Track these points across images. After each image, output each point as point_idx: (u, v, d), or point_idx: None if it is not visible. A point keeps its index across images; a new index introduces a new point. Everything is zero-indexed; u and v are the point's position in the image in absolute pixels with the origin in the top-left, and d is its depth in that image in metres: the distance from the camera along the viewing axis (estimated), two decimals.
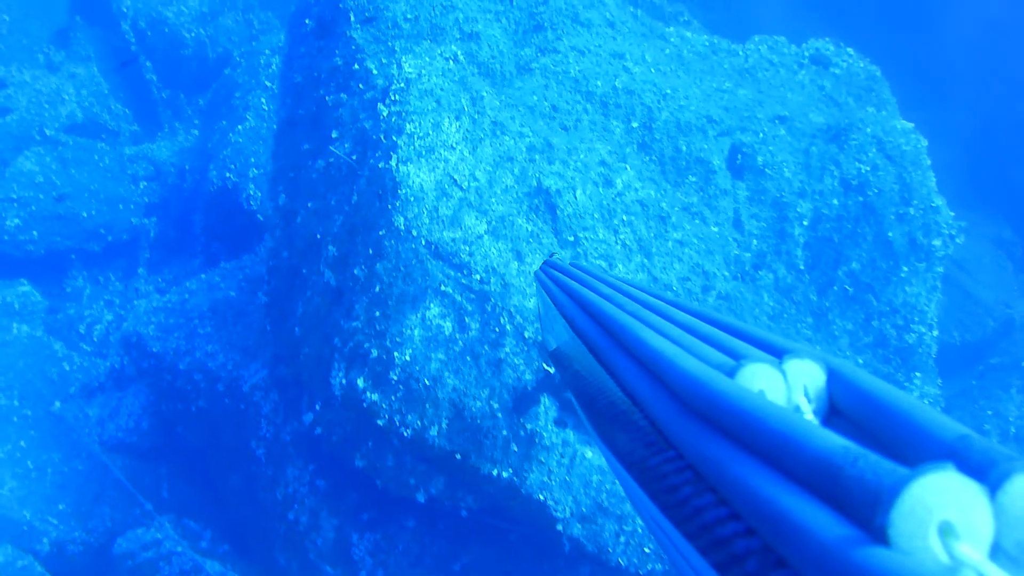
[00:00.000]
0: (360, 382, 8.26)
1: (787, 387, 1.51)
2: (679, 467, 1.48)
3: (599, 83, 10.40)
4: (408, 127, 8.29)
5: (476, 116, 8.65)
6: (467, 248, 8.30)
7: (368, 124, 8.68)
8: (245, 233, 14.51)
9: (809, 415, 1.49)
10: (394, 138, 8.26)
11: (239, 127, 15.75)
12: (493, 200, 8.49)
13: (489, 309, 8.28)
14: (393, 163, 8.18)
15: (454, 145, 8.39)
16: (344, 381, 8.43)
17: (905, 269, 11.65)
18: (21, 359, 13.72)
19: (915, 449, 1.26)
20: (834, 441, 1.14)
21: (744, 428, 1.30)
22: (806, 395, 1.52)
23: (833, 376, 1.53)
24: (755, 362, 1.50)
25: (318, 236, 9.30)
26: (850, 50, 14.34)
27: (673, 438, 1.54)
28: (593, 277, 2.65)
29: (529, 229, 8.63)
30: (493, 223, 8.44)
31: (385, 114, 8.39)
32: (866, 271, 11.46)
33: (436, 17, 9.39)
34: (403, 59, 8.60)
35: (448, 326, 8.26)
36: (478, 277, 8.27)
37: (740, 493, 1.24)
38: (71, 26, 18.76)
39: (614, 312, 2.13)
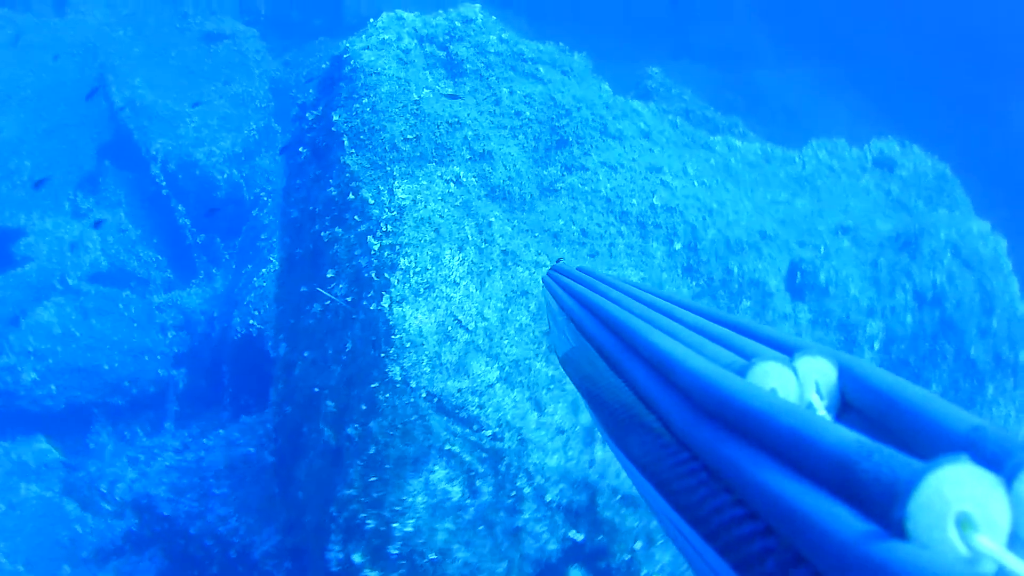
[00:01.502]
0: (357, 557, 7.13)
1: (799, 384, 1.49)
2: (693, 468, 1.46)
3: (634, 201, 9.23)
4: (402, 262, 7.19)
5: (483, 246, 7.53)
6: (476, 399, 7.12)
7: (363, 260, 7.60)
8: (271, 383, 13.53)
9: (822, 411, 1.47)
10: (386, 275, 7.17)
11: (263, 270, 14.96)
12: (506, 342, 7.31)
13: (504, 470, 7.07)
14: (386, 304, 7.08)
15: (457, 280, 7.27)
16: (341, 556, 7.26)
17: (991, 389, 10.51)
18: (30, 522, 12.91)
19: (929, 442, 1.25)
20: (848, 436, 1.14)
21: (757, 427, 1.30)
22: (818, 392, 1.50)
23: (844, 372, 1.51)
24: (766, 360, 1.49)
25: (316, 390, 8.22)
26: (916, 148, 13.47)
27: (686, 439, 1.52)
28: (600, 280, 2.68)
29: (550, 374, 7.40)
30: (506, 369, 7.25)
31: (376, 248, 7.32)
32: (948, 394, 10.09)
33: (441, 136, 8.36)
34: (396, 184, 7.55)
35: (456, 491, 7.04)
36: (489, 433, 7.08)
37: (756, 492, 1.23)
38: (99, 171, 18.28)
39: (622, 315, 2.14)
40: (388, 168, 8.09)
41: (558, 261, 3.55)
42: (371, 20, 9.05)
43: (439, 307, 7.19)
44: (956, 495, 0.96)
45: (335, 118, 8.43)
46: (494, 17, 9.78)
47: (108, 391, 14.90)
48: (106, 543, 12.78)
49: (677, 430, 1.56)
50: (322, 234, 8.32)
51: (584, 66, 10.31)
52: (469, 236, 7.49)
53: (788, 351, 1.56)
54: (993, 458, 1.07)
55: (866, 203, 12.56)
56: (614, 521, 7.51)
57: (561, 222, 8.74)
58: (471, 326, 7.20)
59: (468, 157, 8.48)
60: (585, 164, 9.40)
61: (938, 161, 13.31)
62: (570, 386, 7.45)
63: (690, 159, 10.42)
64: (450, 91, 8.82)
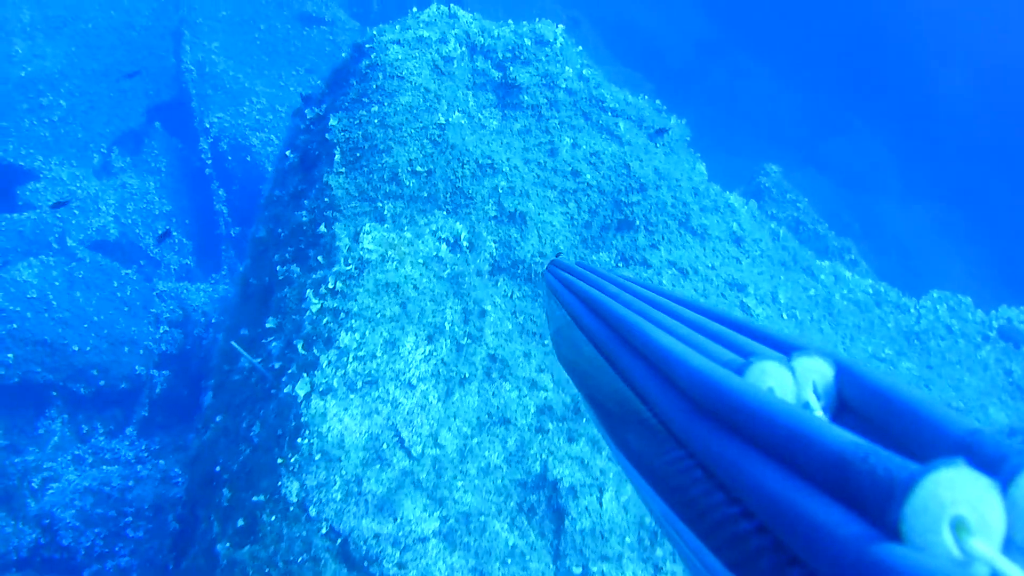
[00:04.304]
0: None
1: (796, 384, 1.46)
2: (689, 466, 1.44)
3: None
4: (343, 337, 5.05)
5: (464, 342, 5.35)
6: (397, 554, 4.94)
7: (306, 319, 5.45)
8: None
9: (819, 412, 1.45)
10: (316, 351, 5.01)
11: None
12: (460, 484, 5.09)
13: None
14: (302, 391, 4.93)
15: (414, 382, 5.10)
16: None
17: None
18: None
19: (926, 444, 1.26)
20: (844, 437, 1.13)
21: (754, 426, 1.29)
22: (815, 391, 1.48)
23: (842, 372, 1.49)
24: (764, 359, 1.47)
25: (217, 468, 6.08)
26: None
27: (683, 437, 1.51)
28: (600, 276, 2.61)
29: (511, 543, 5.14)
30: (451, 522, 5.03)
31: (315, 309, 5.18)
32: None
33: (463, 179, 6.23)
34: (367, 228, 5.39)
35: None
36: None
37: (751, 491, 1.22)
38: (147, 132, 16.59)
39: (621, 311, 2.08)
40: (379, 204, 5.99)
41: (558, 255, 3.53)
42: (413, 9, 6.96)
43: (378, 413, 5.02)
44: (951, 498, 0.96)
45: (332, 123, 6.35)
46: (580, 47, 7.62)
47: (71, 375, 13.16)
48: (8, 551, 10.91)
49: (674, 427, 1.56)
50: (278, 268, 6.21)
51: (680, 135, 8.11)
52: (448, 324, 5.32)
53: (786, 350, 1.54)
54: (989, 462, 1.08)
55: (982, 381, 10.90)
56: None
57: None
58: (416, 451, 5.01)
59: (493, 215, 6.35)
60: (648, 259, 7.20)
61: None
62: (538, 563, 5.20)
63: (785, 283, 8.18)
64: (494, 123, 6.67)
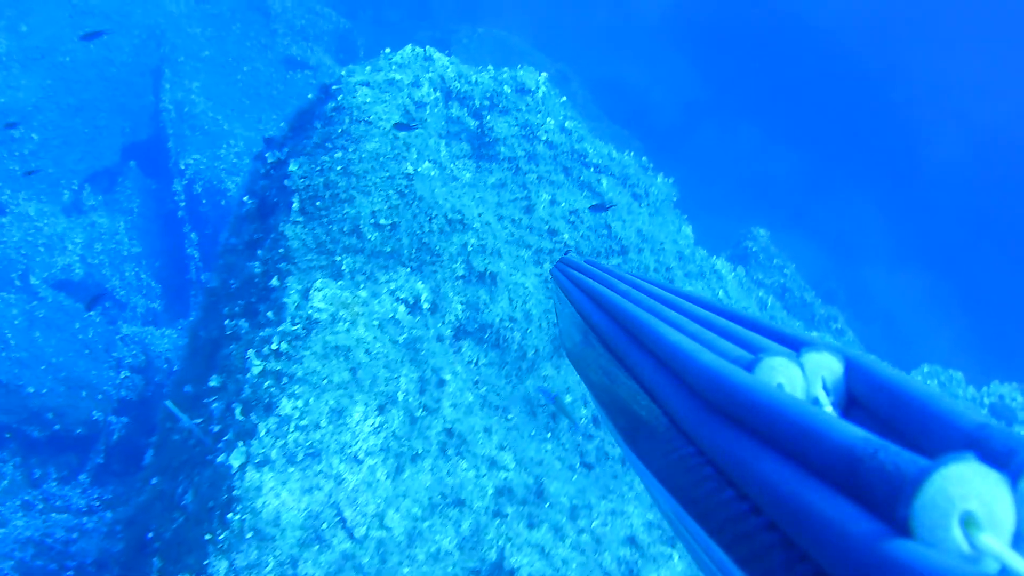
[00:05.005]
0: None
1: (805, 380, 1.45)
2: (700, 462, 1.42)
3: None
4: (285, 404, 4.60)
5: (420, 414, 4.90)
6: None
7: (247, 381, 4.97)
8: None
9: (828, 407, 1.43)
10: (254, 418, 4.53)
11: None
12: (406, 570, 4.65)
13: None
14: (236, 460, 4.45)
15: (360, 455, 4.64)
16: None
17: None
18: None
19: (935, 439, 1.24)
20: (854, 433, 1.11)
21: (764, 422, 1.27)
22: (824, 387, 1.46)
23: (851, 367, 1.47)
24: (773, 356, 1.45)
25: (150, 535, 5.57)
26: None
27: (693, 434, 1.49)
28: (609, 274, 2.58)
29: None
30: None
31: (256, 371, 4.71)
32: None
33: (429, 234, 5.78)
34: (319, 284, 4.94)
35: None
36: None
37: (761, 488, 1.20)
38: (121, 170, 16.19)
39: (631, 308, 2.07)
40: (338, 258, 5.56)
41: (566, 253, 3.17)
42: (385, 50, 6.54)
43: (319, 489, 4.55)
44: (961, 493, 0.94)
45: (292, 168, 5.91)
46: (564, 98, 7.21)
47: (26, 418, 12.75)
48: None
49: (683, 424, 1.54)
50: (227, 322, 5.74)
51: (665, 195, 7.71)
52: (402, 394, 4.86)
53: (795, 346, 1.53)
54: (998, 456, 1.07)
55: None
56: None
57: (568, 399, 6.05)
58: (360, 532, 4.53)
59: (461, 274, 5.93)
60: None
61: None
62: None
63: None
64: (467, 176, 6.25)
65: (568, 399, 6.09)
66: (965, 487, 0.94)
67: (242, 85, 18.32)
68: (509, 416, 5.47)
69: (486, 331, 5.90)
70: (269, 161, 6.58)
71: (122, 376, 13.66)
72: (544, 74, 7.09)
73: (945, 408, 1.24)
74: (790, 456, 1.17)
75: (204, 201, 16.00)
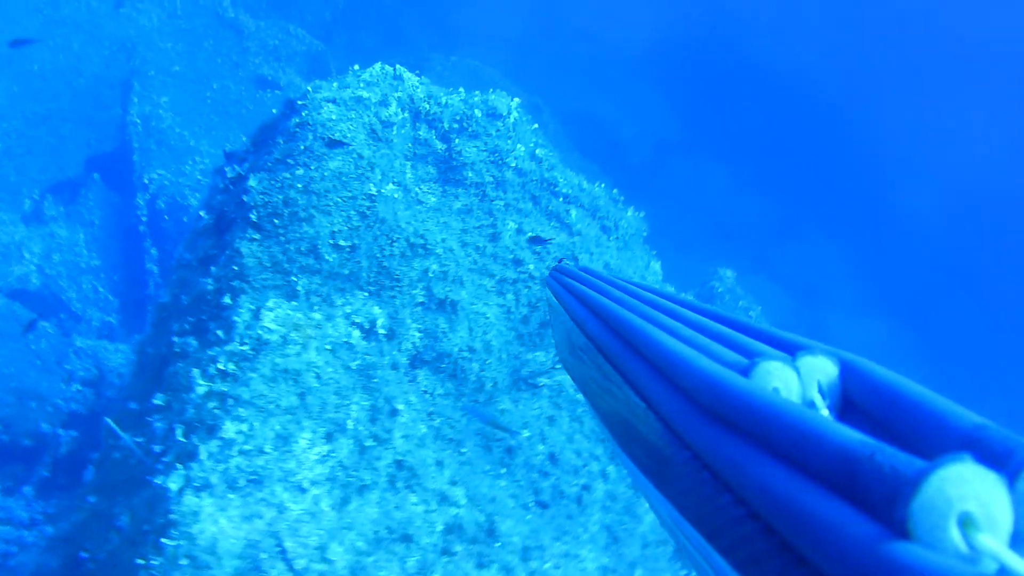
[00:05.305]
0: None
1: (801, 383, 1.46)
2: (696, 467, 1.44)
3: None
4: (228, 427, 4.44)
5: (369, 444, 4.75)
6: None
7: (190, 401, 4.77)
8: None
9: (824, 411, 1.45)
10: (195, 440, 4.34)
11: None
12: None
13: None
14: (175, 484, 4.25)
15: (305, 484, 4.46)
16: None
17: None
18: None
19: (932, 440, 1.26)
20: (851, 436, 1.13)
21: (760, 426, 1.29)
22: (820, 391, 1.48)
23: (846, 370, 1.50)
24: (768, 360, 1.47)
25: (84, 555, 5.35)
26: None
27: (689, 439, 1.51)
28: (602, 280, 2.61)
29: None
30: None
31: (201, 392, 4.53)
32: None
33: (390, 258, 5.62)
34: (271, 304, 4.76)
35: None
36: None
37: (758, 491, 1.21)
38: (84, 182, 15.96)
39: (625, 315, 2.10)
40: (293, 278, 5.39)
41: (560, 261, 3.41)
42: (354, 66, 6.40)
43: (259, 517, 4.36)
44: (958, 494, 0.95)
45: (251, 184, 5.73)
46: (536, 125, 7.08)
47: None
48: None
49: (680, 429, 1.55)
50: (175, 339, 5.53)
51: (635, 229, 7.59)
52: (351, 422, 4.69)
53: (790, 350, 1.55)
54: (996, 457, 1.08)
55: None
56: None
57: (525, 434, 5.89)
58: (300, 564, 4.34)
59: (421, 301, 5.76)
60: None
61: None
62: None
63: None
64: (432, 200, 6.09)
65: (525, 434, 5.92)
66: (963, 488, 0.94)
67: (211, 102, 18.17)
68: (463, 450, 5.29)
69: (443, 361, 5.73)
70: (229, 176, 6.40)
71: (73, 389, 13.45)
72: (516, 99, 6.97)
73: (942, 409, 1.25)
74: (787, 460, 1.18)
75: (166, 217, 15.82)
